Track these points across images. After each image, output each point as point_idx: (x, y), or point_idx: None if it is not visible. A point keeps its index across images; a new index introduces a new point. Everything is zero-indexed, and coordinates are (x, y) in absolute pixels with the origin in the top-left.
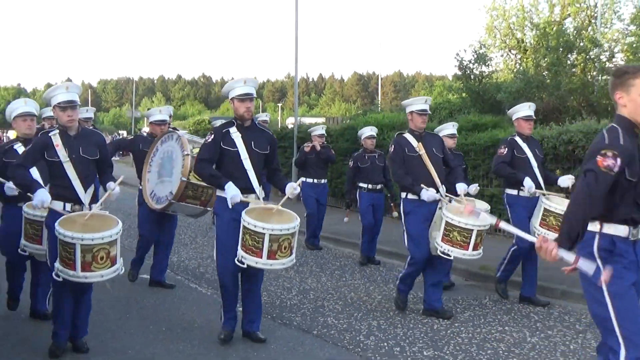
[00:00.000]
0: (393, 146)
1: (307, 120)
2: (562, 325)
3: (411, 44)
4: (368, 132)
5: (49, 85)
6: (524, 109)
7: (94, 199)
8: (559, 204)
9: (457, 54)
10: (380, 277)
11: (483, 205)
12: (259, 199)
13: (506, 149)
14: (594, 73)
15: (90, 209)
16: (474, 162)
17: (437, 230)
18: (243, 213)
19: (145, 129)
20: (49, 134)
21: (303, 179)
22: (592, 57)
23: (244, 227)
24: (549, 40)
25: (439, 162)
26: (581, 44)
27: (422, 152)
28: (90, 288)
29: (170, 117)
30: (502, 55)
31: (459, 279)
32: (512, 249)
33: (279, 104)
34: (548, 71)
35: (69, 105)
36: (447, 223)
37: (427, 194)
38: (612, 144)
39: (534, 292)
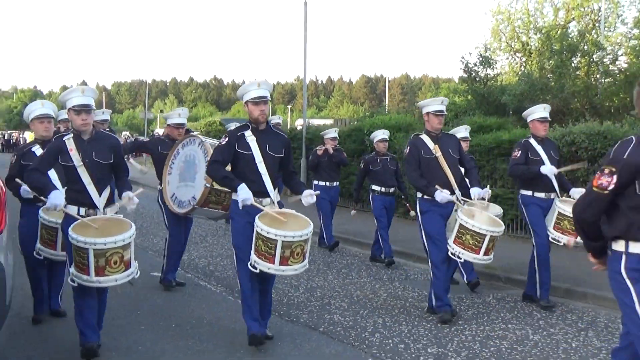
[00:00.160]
0: (409, 147)
1: (315, 122)
2: (564, 323)
3: (418, 47)
4: (380, 135)
5: (64, 88)
6: (539, 111)
7: (110, 202)
8: None
9: (463, 57)
10: (386, 275)
11: (496, 209)
12: (273, 203)
13: (520, 151)
14: (598, 76)
15: (105, 213)
16: (478, 163)
17: (450, 231)
18: (257, 218)
19: (159, 131)
20: (63, 139)
21: (316, 181)
22: (595, 60)
23: (257, 232)
24: (553, 44)
25: (455, 163)
26: (585, 47)
27: (439, 154)
28: (106, 288)
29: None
30: (507, 58)
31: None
32: (535, 254)
33: (289, 106)
34: (552, 74)
35: (84, 109)
36: (460, 226)
37: (441, 195)
38: (615, 158)
39: (537, 292)
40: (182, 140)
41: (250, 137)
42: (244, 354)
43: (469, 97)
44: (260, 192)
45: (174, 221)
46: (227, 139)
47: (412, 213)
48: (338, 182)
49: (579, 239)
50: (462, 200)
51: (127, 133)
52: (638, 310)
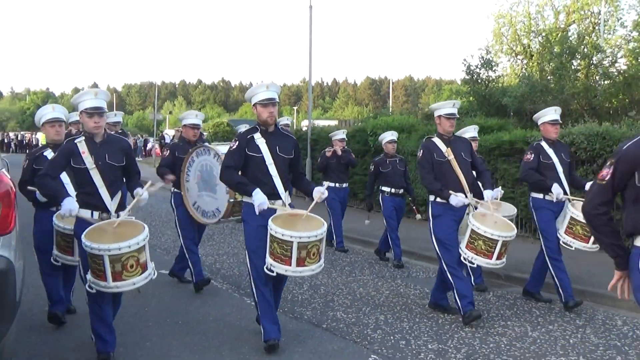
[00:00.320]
0: (422, 151)
1: (321, 123)
2: (562, 321)
3: (422, 50)
4: (389, 136)
5: (76, 90)
6: (550, 113)
7: (121, 206)
8: None
9: (465, 60)
10: (388, 273)
11: (510, 209)
12: (285, 204)
13: (532, 154)
14: (597, 78)
15: (117, 216)
16: None
17: (462, 235)
18: (270, 221)
19: (168, 131)
20: (75, 141)
21: (326, 183)
22: (595, 62)
23: (272, 235)
24: (553, 46)
25: (468, 166)
26: (585, 49)
27: (451, 157)
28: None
29: None
30: (508, 61)
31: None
32: (546, 255)
33: (295, 107)
34: (552, 76)
35: (96, 112)
36: (472, 231)
37: (456, 199)
38: (616, 151)
39: (538, 289)
40: (196, 149)
41: (259, 140)
42: (249, 350)
43: (471, 98)
44: (272, 194)
45: (186, 223)
46: (237, 142)
47: (418, 216)
48: (347, 184)
49: (589, 243)
50: (475, 201)
51: (139, 136)
52: None
